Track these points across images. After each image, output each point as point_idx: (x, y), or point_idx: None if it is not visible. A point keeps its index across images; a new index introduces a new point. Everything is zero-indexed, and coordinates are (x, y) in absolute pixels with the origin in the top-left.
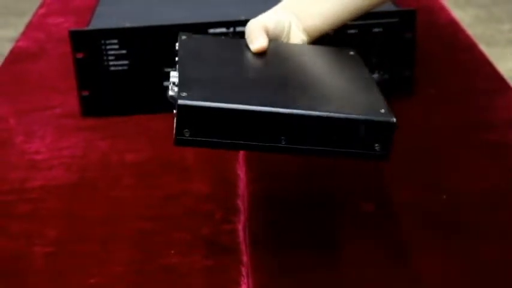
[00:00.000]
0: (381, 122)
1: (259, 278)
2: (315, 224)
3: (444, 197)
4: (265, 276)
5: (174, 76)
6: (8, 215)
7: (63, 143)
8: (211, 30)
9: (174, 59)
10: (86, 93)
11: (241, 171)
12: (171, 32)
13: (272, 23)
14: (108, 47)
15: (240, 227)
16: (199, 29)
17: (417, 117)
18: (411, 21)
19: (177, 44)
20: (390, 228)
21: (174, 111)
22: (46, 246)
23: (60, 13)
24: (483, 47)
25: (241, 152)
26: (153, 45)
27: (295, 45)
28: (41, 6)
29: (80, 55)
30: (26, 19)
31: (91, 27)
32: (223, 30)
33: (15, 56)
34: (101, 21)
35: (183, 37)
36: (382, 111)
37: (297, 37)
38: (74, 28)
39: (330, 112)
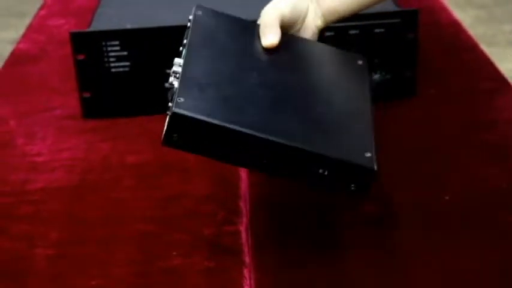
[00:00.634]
0: (361, 167)
1: (261, 279)
2: (317, 225)
3: (447, 197)
4: (268, 277)
5: (177, 64)
6: (9, 216)
7: (64, 144)
8: None
9: (174, 57)
10: (87, 94)
11: (243, 172)
12: (172, 33)
13: (288, 10)
14: (109, 48)
15: (242, 228)
16: None
17: (418, 117)
18: (413, 22)
19: (190, 17)
20: (390, 228)
21: (169, 104)
22: (47, 248)
23: (60, 15)
24: (484, 48)
25: None
26: (155, 47)
27: (306, 44)
28: (42, 7)
29: (80, 57)
30: (27, 21)
31: (92, 28)
32: None
33: (16, 57)
34: (101, 22)
35: (199, 12)
36: (368, 155)
37: (312, 23)
38: (74, 30)
39: (313, 148)
